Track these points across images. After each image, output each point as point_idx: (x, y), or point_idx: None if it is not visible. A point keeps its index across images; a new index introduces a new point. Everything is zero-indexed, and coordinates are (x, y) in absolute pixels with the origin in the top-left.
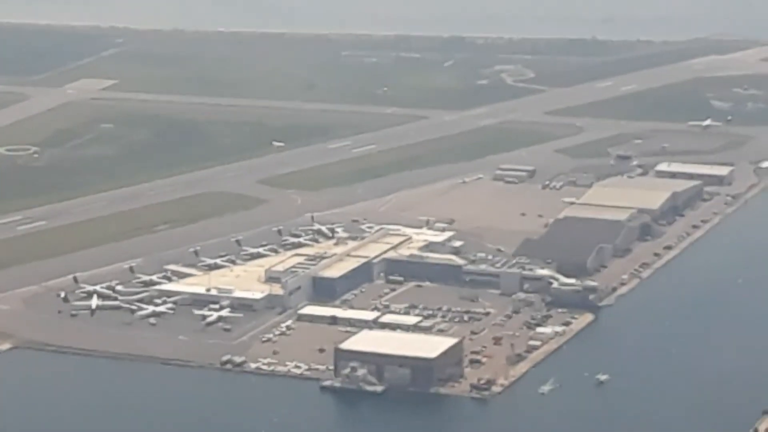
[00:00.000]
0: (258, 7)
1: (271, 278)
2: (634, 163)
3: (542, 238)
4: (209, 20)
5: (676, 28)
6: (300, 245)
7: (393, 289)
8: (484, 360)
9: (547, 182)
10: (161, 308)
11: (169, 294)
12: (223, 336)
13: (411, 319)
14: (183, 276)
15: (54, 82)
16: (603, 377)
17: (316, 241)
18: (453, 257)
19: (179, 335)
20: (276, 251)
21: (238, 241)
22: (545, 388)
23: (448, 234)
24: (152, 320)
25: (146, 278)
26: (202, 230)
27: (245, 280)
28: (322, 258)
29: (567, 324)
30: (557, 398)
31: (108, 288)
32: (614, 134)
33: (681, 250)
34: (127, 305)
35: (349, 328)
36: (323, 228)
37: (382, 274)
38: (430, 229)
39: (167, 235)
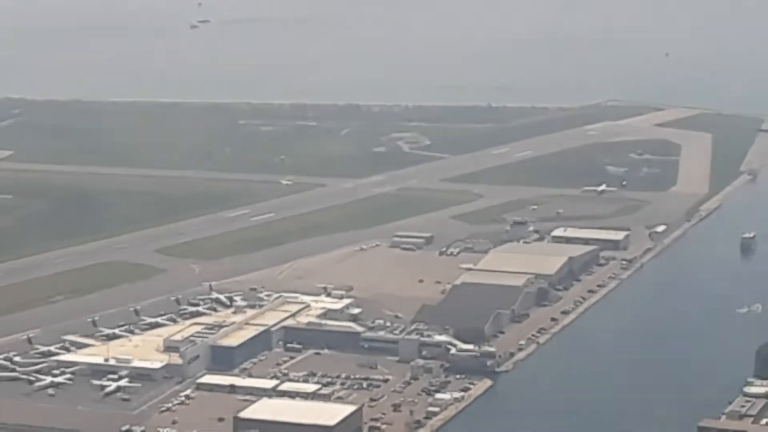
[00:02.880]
0: (153, 77)
1: (169, 348)
2: (530, 228)
3: (440, 304)
4: (105, 91)
5: (569, 95)
6: (198, 314)
7: (292, 357)
8: (383, 427)
9: (444, 248)
10: (60, 379)
11: (68, 364)
12: (122, 406)
13: (310, 387)
14: (81, 346)
15: None
16: None
17: (215, 309)
18: (351, 324)
19: (78, 406)
20: (174, 320)
21: (136, 311)
22: None
23: (346, 301)
24: (51, 391)
25: (44, 349)
26: (100, 300)
27: (144, 350)
28: (221, 327)
29: (466, 390)
30: None
31: (6, 359)
32: (510, 200)
33: (578, 314)
34: (26, 376)
35: (248, 397)
36: (221, 297)
37: (280, 342)
38: (328, 296)
39: (65, 305)
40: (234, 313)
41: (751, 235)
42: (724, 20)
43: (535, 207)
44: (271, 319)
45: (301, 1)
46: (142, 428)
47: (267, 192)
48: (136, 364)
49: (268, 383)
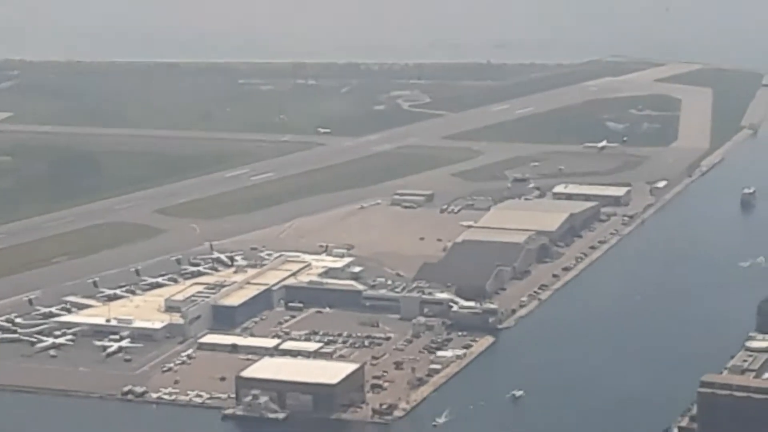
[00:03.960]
0: (152, 37)
1: (170, 308)
2: (531, 185)
3: (441, 261)
4: (104, 51)
5: (569, 51)
6: (199, 274)
7: (293, 316)
8: (385, 385)
9: (444, 206)
10: (61, 340)
11: (69, 325)
12: (124, 366)
13: (312, 346)
14: (82, 307)
15: None
16: (518, 393)
17: (216, 269)
18: (352, 283)
19: (80, 366)
20: (175, 280)
21: (137, 271)
22: (440, 420)
23: (347, 260)
24: (52, 352)
25: (45, 310)
26: (100, 261)
27: (145, 310)
28: (222, 286)
29: (468, 347)
30: (477, 414)
31: (7, 321)
32: (511, 157)
33: (579, 271)
34: (27, 337)
35: (249, 356)
36: (222, 256)
37: (282, 301)
38: (329, 255)
39: (66, 266)
40: (235, 272)
41: (752, 190)
42: None
43: (536, 164)
44: (272, 278)
45: None
46: (144, 388)
47: (267, 151)
48: (138, 324)
49: (270, 342)
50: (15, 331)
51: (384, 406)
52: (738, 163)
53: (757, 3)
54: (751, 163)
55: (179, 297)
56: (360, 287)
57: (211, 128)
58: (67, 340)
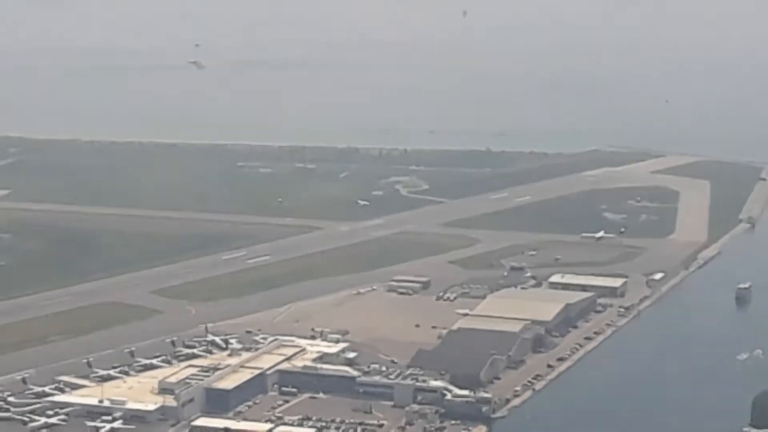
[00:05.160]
0: (152, 117)
1: (164, 390)
2: (528, 274)
3: (436, 349)
4: (104, 130)
5: (569, 141)
6: (194, 356)
7: (287, 401)
8: None
9: (441, 293)
10: (54, 420)
11: (62, 405)
12: None
13: (305, 431)
14: (76, 387)
15: None
16: None
17: (210, 352)
18: (347, 368)
19: None
20: (169, 362)
21: (131, 352)
22: None
23: (342, 345)
24: None
25: (38, 389)
26: (95, 341)
27: (138, 392)
28: (216, 369)
29: None
30: None
31: (0, 399)
32: (508, 245)
33: (574, 361)
34: (20, 417)
35: None
36: (217, 339)
37: (275, 386)
38: (324, 340)
39: (60, 345)
40: (229, 355)
41: (747, 285)
42: (725, 72)
43: (533, 252)
44: (266, 362)
45: (302, 45)
46: None
47: (264, 234)
48: (131, 405)
49: (263, 427)
50: (8, 410)
51: None
52: (735, 256)
53: (757, 96)
54: (748, 258)
55: (173, 379)
56: (354, 373)
57: (209, 209)
58: (60, 420)
